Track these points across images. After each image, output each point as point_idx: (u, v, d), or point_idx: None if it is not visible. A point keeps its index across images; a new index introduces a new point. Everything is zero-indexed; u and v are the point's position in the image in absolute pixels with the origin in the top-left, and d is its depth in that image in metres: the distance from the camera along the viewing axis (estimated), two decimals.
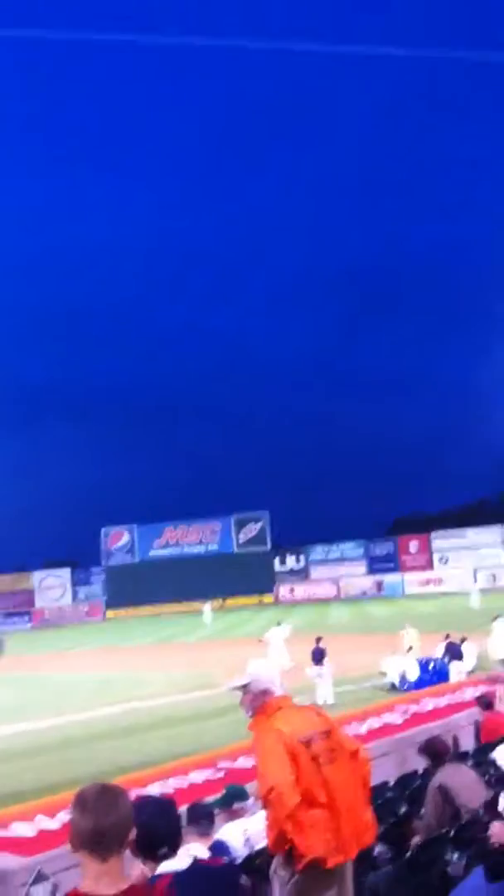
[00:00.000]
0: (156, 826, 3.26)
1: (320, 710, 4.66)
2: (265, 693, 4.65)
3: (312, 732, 4.41)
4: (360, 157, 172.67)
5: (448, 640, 21.86)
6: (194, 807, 5.88)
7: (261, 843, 6.21)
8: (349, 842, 4.33)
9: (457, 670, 20.19)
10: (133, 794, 8.21)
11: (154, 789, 8.45)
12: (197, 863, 3.32)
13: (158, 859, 3.24)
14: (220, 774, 8.86)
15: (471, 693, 14.05)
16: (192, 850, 5.27)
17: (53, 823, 6.69)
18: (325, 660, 20.75)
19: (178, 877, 3.15)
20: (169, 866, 3.22)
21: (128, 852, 2.71)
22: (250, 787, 6.90)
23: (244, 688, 4.71)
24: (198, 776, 9.25)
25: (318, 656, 20.76)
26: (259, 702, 4.63)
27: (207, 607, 58.00)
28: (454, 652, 20.95)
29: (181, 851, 3.46)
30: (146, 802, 3.57)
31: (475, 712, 12.38)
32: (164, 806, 3.49)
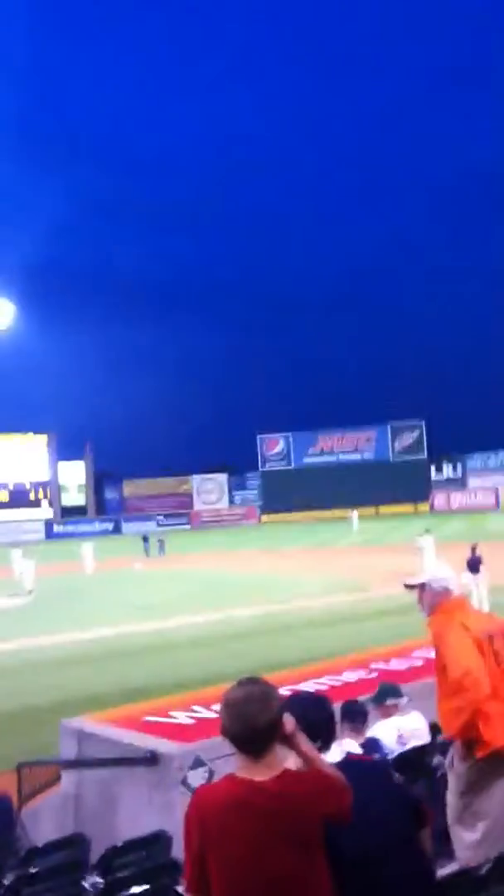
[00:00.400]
0: (310, 719, 3.25)
1: (494, 616, 4.65)
2: (446, 591, 4.64)
3: (492, 629, 4.45)
4: None
5: None
6: (348, 703, 5.90)
7: (413, 741, 6.20)
8: None
9: None
10: (288, 689, 8.38)
11: (308, 686, 8.59)
12: (348, 758, 3.30)
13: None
14: (374, 675, 8.86)
15: None
16: (344, 746, 5.31)
17: (210, 713, 6.91)
18: (482, 567, 20.40)
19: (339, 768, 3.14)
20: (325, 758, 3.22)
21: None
22: (404, 686, 6.88)
23: (422, 586, 4.72)
24: (351, 675, 9.31)
25: (475, 564, 20.43)
26: (439, 599, 4.63)
27: (355, 514, 58.23)
28: None
29: (334, 747, 3.45)
30: (301, 697, 3.59)
31: None
32: (319, 701, 3.49)
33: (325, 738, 3.24)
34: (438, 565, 5.09)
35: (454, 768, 4.43)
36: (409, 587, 4.82)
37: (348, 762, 3.23)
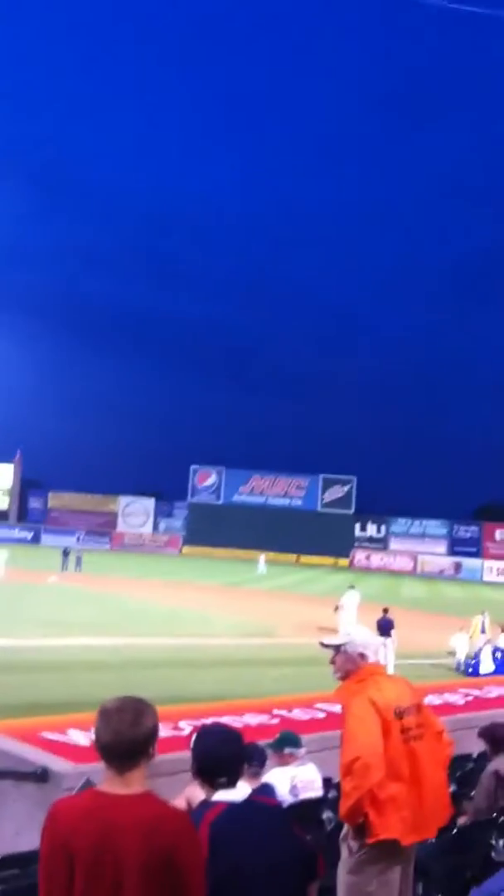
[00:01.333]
0: (216, 754, 3.25)
1: (411, 684, 4.42)
2: (361, 657, 4.40)
3: (406, 705, 4.20)
4: None
5: None
6: (248, 745, 5.89)
7: (307, 793, 6.21)
8: (428, 821, 4.18)
9: None
10: (188, 724, 8.31)
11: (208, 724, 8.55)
12: (252, 798, 3.29)
13: (216, 786, 3.24)
14: (275, 721, 8.87)
15: None
16: (237, 788, 5.30)
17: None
18: (392, 631, 20.54)
19: (231, 808, 3.13)
20: (224, 796, 3.21)
21: (189, 775, 2.75)
22: (304, 737, 6.90)
23: (338, 647, 4.47)
24: (252, 719, 9.30)
25: (386, 627, 20.57)
26: (352, 665, 4.40)
27: (262, 558, 58.85)
28: None
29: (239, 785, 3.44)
30: (212, 729, 3.55)
31: None
32: (229, 736, 3.45)
33: (230, 775, 3.23)
34: (359, 628, 4.87)
35: (346, 841, 4.18)
36: (325, 646, 4.56)
37: (251, 802, 3.23)
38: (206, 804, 3.25)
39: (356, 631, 4.69)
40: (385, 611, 21.27)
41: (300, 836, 3.21)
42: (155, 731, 2.72)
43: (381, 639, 20.28)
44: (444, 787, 4.33)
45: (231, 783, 3.24)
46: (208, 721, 8.82)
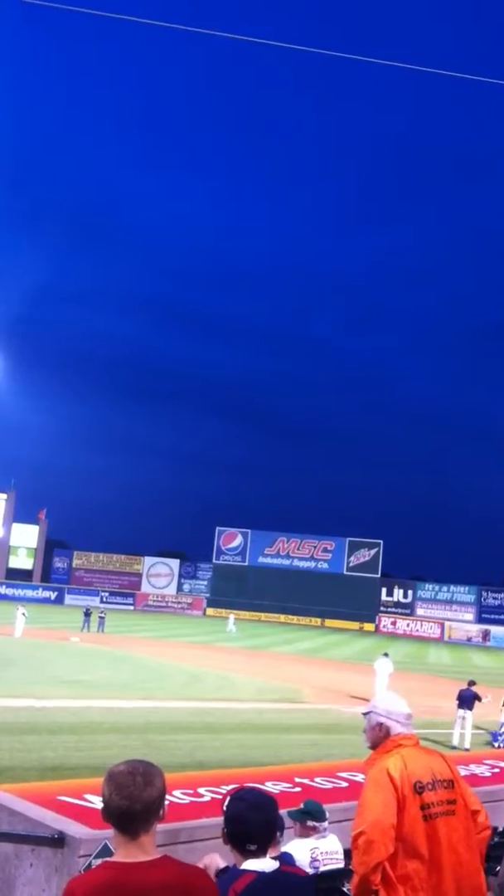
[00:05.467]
0: (246, 820, 3.16)
1: (447, 758, 4.17)
2: (380, 727, 4.21)
3: (430, 779, 3.97)
4: None
5: None
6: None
7: (328, 865, 6.05)
8: None
9: None
10: (208, 791, 8.18)
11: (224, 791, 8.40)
12: (283, 869, 3.19)
13: (246, 854, 3.14)
14: (297, 790, 8.68)
15: None
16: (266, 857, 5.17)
17: None
18: (475, 703, 19.70)
19: (261, 879, 3.05)
20: (253, 865, 3.12)
21: (208, 843, 2.72)
22: (326, 806, 6.74)
23: (365, 716, 4.31)
24: (273, 787, 9.12)
25: (467, 699, 19.62)
26: (377, 736, 4.21)
27: (231, 618, 58.74)
28: None
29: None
30: (247, 793, 3.42)
31: None
32: (264, 801, 3.31)
33: (261, 843, 3.13)
34: (385, 695, 4.57)
35: None
36: (364, 714, 4.39)
37: (281, 873, 3.14)
38: (235, 872, 3.17)
39: (381, 698, 4.51)
40: (470, 684, 20.45)
41: None
42: (164, 791, 2.70)
43: (460, 711, 19.51)
44: (474, 871, 3.97)
45: (261, 851, 3.15)
46: (229, 788, 8.67)
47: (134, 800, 2.61)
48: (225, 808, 3.29)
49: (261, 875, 3.05)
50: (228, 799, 3.30)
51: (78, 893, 2.56)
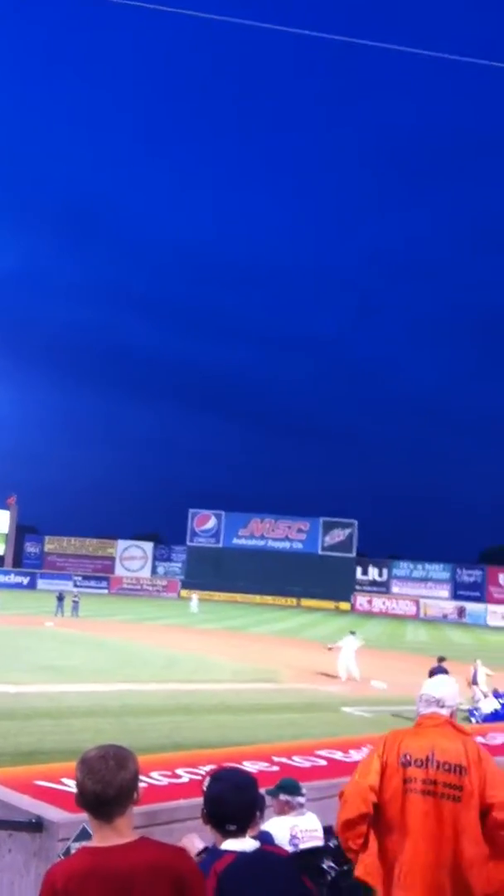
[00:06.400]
0: (225, 801, 3.15)
1: (475, 748, 4.11)
2: (421, 703, 4.38)
3: (423, 756, 4.03)
4: None
5: None
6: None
7: (307, 843, 6.06)
8: (424, 884, 3.91)
9: None
10: (186, 772, 8.16)
11: (203, 771, 8.39)
12: (263, 849, 3.17)
13: (226, 834, 3.13)
14: (275, 769, 8.69)
15: None
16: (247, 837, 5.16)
17: None
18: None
19: (241, 859, 3.03)
20: (233, 845, 3.10)
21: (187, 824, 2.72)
22: (304, 784, 6.75)
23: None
24: (251, 766, 9.12)
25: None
26: (419, 712, 4.38)
27: (195, 597, 58.90)
28: None
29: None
30: (227, 773, 3.42)
31: None
32: (240, 782, 3.29)
33: (239, 822, 3.12)
34: (427, 681, 4.63)
35: None
36: None
37: (262, 853, 3.12)
38: (214, 853, 3.15)
39: (428, 682, 4.59)
40: (440, 660, 20.58)
41: (309, 889, 3.11)
42: (137, 774, 2.71)
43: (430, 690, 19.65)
44: (472, 861, 3.90)
45: (241, 831, 3.13)
46: (207, 768, 8.67)
47: (107, 784, 2.61)
48: (204, 788, 3.29)
49: (241, 855, 3.04)
50: (208, 779, 3.30)
51: (59, 881, 2.54)
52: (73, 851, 5.41)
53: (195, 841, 3.75)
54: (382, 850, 4.02)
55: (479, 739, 12.88)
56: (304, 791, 6.63)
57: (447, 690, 4.41)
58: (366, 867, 4.06)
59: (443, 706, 4.30)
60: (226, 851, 3.08)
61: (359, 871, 4.09)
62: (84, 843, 3.03)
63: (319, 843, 6.18)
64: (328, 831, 6.68)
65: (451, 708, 4.31)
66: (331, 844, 6.31)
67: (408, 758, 4.05)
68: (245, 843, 3.09)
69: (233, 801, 3.15)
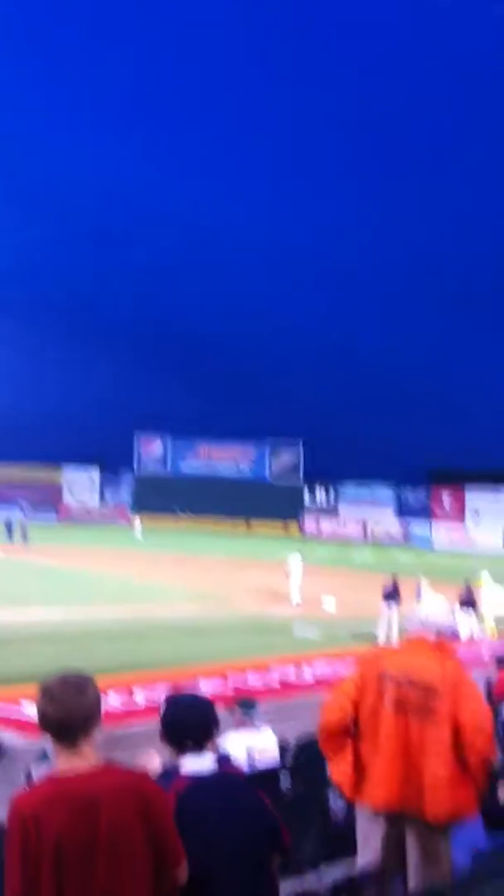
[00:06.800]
0: (181, 720, 3.22)
1: (447, 665, 4.21)
2: (411, 623, 4.61)
3: (397, 674, 4.18)
4: None
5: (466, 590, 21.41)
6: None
7: (263, 760, 6.22)
8: (409, 799, 4.07)
9: (470, 621, 20.06)
10: (142, 692, 8.26)
11: (161, 691, 8.53)
12: (223, 771, 3.24)
13: (184, 749, 3.21)
14: (230, 687, 8.88)
15: (486, 649, 13.99)
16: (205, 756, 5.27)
17: None
18: (399, 598, 20.22)
19: (199, 781, 3.09)
20: (192, 765, 3.16)
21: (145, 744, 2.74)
22: (260, 704, 6.89)
23: None
24: (206, 685, 9.30)
25: (391, 594, 20.14)
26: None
27: (138, 523, 59.37)
28: (468, 601, 20.64)
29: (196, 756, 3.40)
30: (182, 696, 3.56)
31: (489, 670, 12.33)
32: (198, 702, 3.45)
33: (196, 737, 3.19)
34: (426, 602, 4.97)
35: None
36: None
37: (221, 775, 3.18)
38: (170, 774, 3.22)
39: (420, 602, 4.81)
40: (395, 579, 20.85)
41: (269, 810, 3.18)
42: (100, 699, 2.75)
43: (386, 605, 19.98)
44: (437, 779, 4.03)
45: (198, 747, 3.20)
46: (161, 688, 8.81)
47: (69, 710, 2.64)
48: (161, 711, 3.35)
49: (199, 776, 3.10)
50: (164, 702, 3.37)
51: (26, 808, 2.54)
52: (33, 773, 5.49)
53: (154, 757, 3.84)
54: (356, 760, 4.22)
55: None
56: (259, 709, 6.78)
57: (434, 611, 4.55)
58: (339, 773, 4.29)
59: (430, 627, 4.43)
60: (185, 772, 3.16)
61: (333, 776, 4.34)
62: (46, 768, 3.06)
63: (275, 759, 6.36)
64: (283, 747, 6.86)
65: (439, 629, 4.42)
66: (286, 760, 6.49)
67: (386, 674, 4.21)
68: (204, 761, 3.17)
69: (189, 719, 3.24)
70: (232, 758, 5.88)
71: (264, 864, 3.11)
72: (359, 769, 4.22)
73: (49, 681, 2.72)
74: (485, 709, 4.16)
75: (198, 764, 3.16)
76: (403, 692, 4.14)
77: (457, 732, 4.01)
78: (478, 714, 4.04)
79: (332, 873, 4.54)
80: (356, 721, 4.26)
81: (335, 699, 4.31)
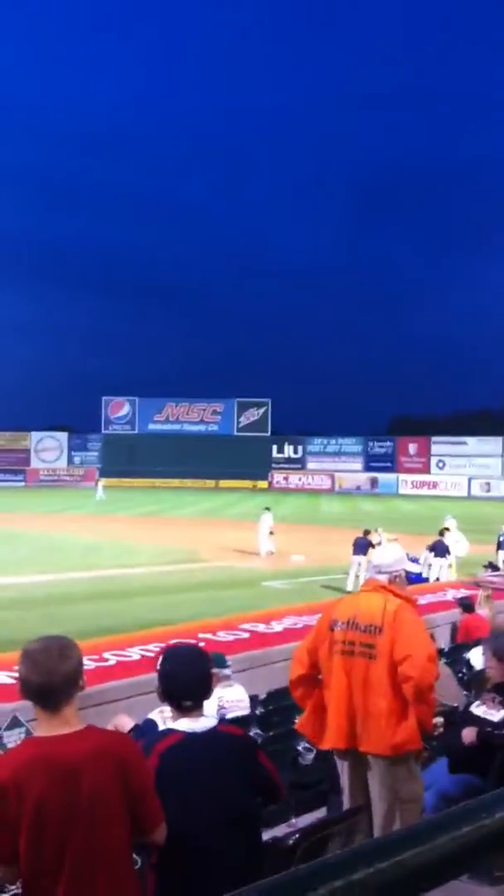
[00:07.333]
0: (177, 675, 3.17)
1: (388, 605, 4.33)
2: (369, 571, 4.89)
3: (346, 619, 4.35)
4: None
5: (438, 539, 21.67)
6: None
7: (235, 712, 6.27)
8: (361, 738, 4.26)
9: (440, 567, 20.29)
10: (113, 655, 8.26)
11: (134, 653, 8.55)
12: (216, 729, 3.19)
13: (182, 710, 3.15)
14: (201, 645, 8.89)
15: (452, 594, 14.19)
16: (167, 713, 5.27)
17: None
18: (370, 550, 20.36)
19: (188, 737, 3.06)
20: (185, 724, 3.12)
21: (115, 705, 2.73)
22: (229, 657, 6.93)
23: None
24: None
25: (362, 547, 20.26)
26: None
27: (100, 484, 59.40)
28: (438, 549, 20.88)
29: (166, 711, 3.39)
30: (179, 650, 3.44)
31: (454, 613, 12.53)
32: (196, 655, 3.36)
33: (194, 697, 3.15)
34: (377, 550, 5.13)
35: None
36: None
37: (214, 731, 3.14)
38: (158, 733, 3.20)
39: (375, 550, 5.02)
40: (365, 532, 21.01)
41: (261, 764, 3.15)
42: (81, 662, 2.76)
43: (355, 557, 20.14)
44: (378, 714, 4.21)
45: (197, 707, 3.15)
46: (135, 650, 8.82)
47: (52, 674, 2.63)
48: (158, 666, 3.31)
49: (188, 735, 3.05)
50: (161, 658, 3.33)
51: (5, 772, 2.53)
52: (4, 740, 5.48)
53: (124, 720, 3.81)
54: (317, 705, 4.43)
55: None
56: (229, 663, 6.83)
57: (386, 558, 4.70)
58: (301, 721, 4.57)
59: (380, 572, 4.59)
60: (172, 731, 3.11)
61: (297, 724, 4.58)
62: (18, 734, 3.04)
63: (246, 712, 6.41)
64: (254, 700, 6.92)
65: (388, 573, 4.55)
66: (257, 712, 6.55)
67: (335, 621, 4.39)
68: (199, 723, 3.11)
69: (186, 674, 3.17)
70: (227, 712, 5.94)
71: (249, 822, 3.10)
72: (318, 714, 4.42)
73: (31, 646, 2.71)
74: (419, 639, 4.27)
75: (193, 724, 3.11)
76: (349, 635, 4.32)
77: (394, 666, 4.17)
78: (409, 644, 4.17)
79: (302, 822, 4.60)
80: (317, 670, 4.45)
81: (296, 653, 4.52)
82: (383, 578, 4.52)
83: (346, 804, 4.36)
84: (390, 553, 4.74)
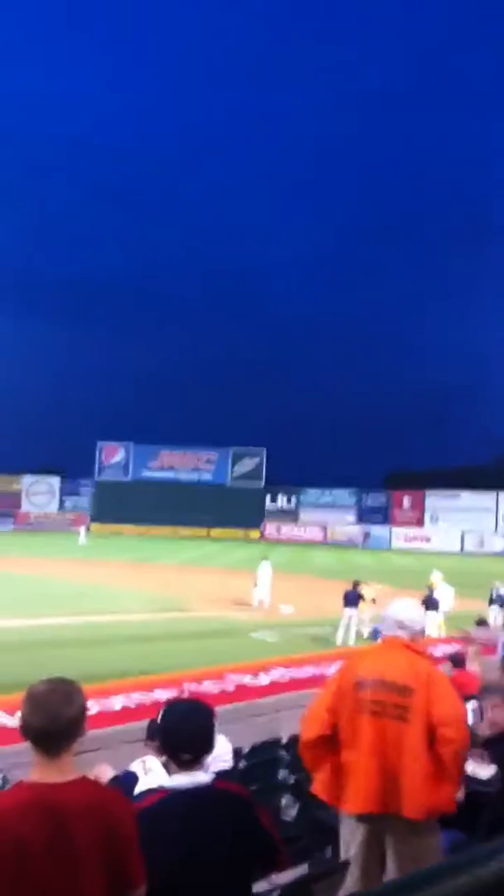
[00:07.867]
0: (177, 729, 3.08)
1: (418, 665, 4.19)
2: (385, 626, 4.55)
3: (372, 679, 4.16)
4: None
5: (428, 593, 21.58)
6: (152, 722, 5.75)
7: (217, 765, 6.10)
8: (389, 800, 4.04)
9: (431, 622, 20.12)
10: (95, 703, 8.10)
11: (118, 702, 8.41)
12: (215, 785, 3.07)
13: (181, 764, 3.05)
14: (185, 695, 8.75)
15: (442, 650, 14.04)
16: (148, 764, 5.13)
17: (11, 721, 6.58)
18: (360, 603, 20.18)
19: (174, 794, 2.94)
20: (177, 780, 3.01)
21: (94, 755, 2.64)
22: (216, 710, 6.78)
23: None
24: (162, 694, 9.17)
25: (351, 599, 20.12)
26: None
27: (82, 529, 59.62)
28: (429, 603, 20.75)
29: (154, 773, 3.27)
30: (178, 704, 3.35)
31: (445, 669, 12.36)
32: (193, 709, 3.24)
33: (193, 752, 3.05)
34: (393, 603, 4.71)
35: None
36: None
37: (207, 787, 3.03)
38: (145, 791, 3.12)
39: (393, 604, 4.66)
40: (355, 584, 20.84)
41: (262, 827, 3.02)
42: (85, 709, 2.69)
43: (346, 610, 19.94)
44: (413, 776, 4.02)
45: (196, 762, 3.05)
46: (119, 698, 8.67)
47: (54, 718, 2.56)
48: (160, 717, 3.23)
49: (174, 792, 2.95)
50: (163, 708, 3.25)
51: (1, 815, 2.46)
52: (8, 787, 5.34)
53: (105, 770, 3.70)
54: (337, 767, 4.21)
55: None
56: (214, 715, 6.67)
57: (409, 614, 4.51)
58: (321, 783, 4.27)
59: (404, 628, 4.40)
60: (158, 789, 3.04)
61: (315, 788, 4.30)
62: (22, 779, 2.95)
63: (228, 765, 6.26)
64: (237, 754, 6.76)
65: (411, 630, 4.40)
66: (240, 766, 6.40)
67: (360, 679, 4.21)
68: (191, 778, 3.01)
69: (185, 729, 3.08)
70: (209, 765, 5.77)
71: (237, 888, 2.96)
72: (340, 776, 4.19)
73: (35, 687, 2.65)
74: (457, 702, 4.16)
75: (188, 778, 3.01)
76: (378, 695, 4.13)
77: (431, 729, 4.01)
78: (449, 707, 4.04)
79: (283, 878, 4.45)
80: (336, 730, 4.22)
81: (313, 712, 4.27)
82: (404, 634, 4.36)
83: (356, 876, 4.15)
84: (414, 609, 4.62)
